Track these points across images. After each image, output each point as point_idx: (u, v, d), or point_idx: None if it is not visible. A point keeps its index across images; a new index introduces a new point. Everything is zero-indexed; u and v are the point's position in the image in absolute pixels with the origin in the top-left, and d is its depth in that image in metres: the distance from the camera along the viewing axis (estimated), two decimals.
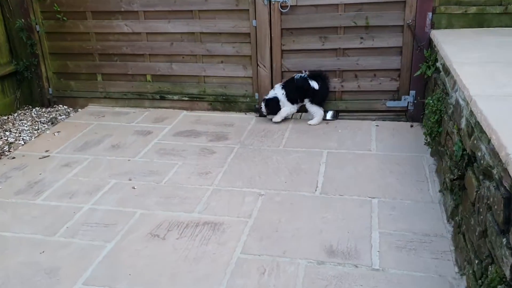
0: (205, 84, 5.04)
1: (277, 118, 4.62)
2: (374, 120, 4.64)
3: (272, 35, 4.62)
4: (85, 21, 5.01)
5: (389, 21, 4.37)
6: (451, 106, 3.09)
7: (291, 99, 4.55)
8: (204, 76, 5.01)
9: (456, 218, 2.75)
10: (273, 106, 4.57)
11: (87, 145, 4.33)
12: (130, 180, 3.68)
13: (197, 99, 5.08)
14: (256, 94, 4.87)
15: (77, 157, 4.09)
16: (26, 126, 4.82)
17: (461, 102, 2.81)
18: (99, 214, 3.23)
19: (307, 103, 4.57)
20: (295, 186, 3.49)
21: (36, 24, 5.07)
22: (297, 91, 4.52)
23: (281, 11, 4.50)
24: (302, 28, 4.56)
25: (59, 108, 5.35)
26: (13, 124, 4.89)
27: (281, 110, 4.59)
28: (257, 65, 4.77)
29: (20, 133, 4.67)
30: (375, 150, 4.01)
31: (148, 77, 5.14)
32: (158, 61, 5.05)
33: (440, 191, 3.29)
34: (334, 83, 4.68)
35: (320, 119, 4.60)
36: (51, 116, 5.10)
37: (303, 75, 4.53)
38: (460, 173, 2.61)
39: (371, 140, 4.20)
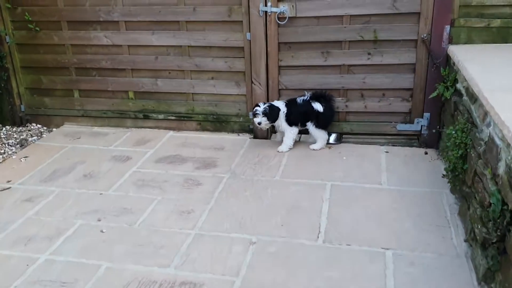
0: (193, 102, 4.51)
1: (284, 147, 4.05)
2: (383, 145, 4.11)
3: (268, 49, 4.09)
4: (60, 32, 4.49)
5: (400, 35, 3.85)
6: (482, 142, 2.55)
7: (290, 121, 4.01)
8: (192, 93, 4.48)
9: (492, 285, 2.21)
10: (274, 113, 3.94)
11: (55, 174, 3.79)
12: (99, 220, 3.14)
13: (185, 118, 4.55)
14: (250, 114, 4.34)
15: (42, 190, 3.55)
16: None
17: (497, 141, 2.27)
18: (57, 267, 2.68)
19: (310, 127, 4.03)
20: (293, 230, 2.95)
21: (6, 34, 4.55)
22: (299, 115, 3.99)
23: (278, 23, 3.97)
24: (301, 42, 4.04)
25: (32, 127, 4.82)
26: None
27: (286, 138, 4.05)
28: (252, 82, 4.24)
29: None
30: (386, 183, 3.47)
31: (131, 94, 4.62)
32: (142, 76, 4.52)
33: (466, 240, 2.75)
34: (338, 103, 4.15)
35: (324, 144, 4.07)
36: (21, 137, 4.56)
37: (305, 97, 3.99)
38: (499, 234, 2.08)
39: (381, 171, 3.66)
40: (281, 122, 4.01)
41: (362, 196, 3.32)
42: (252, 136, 4.36)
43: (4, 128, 4.77)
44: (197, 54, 4.32)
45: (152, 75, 4.49)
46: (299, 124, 4.06)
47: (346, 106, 4.16)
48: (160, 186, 3.55)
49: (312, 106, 3.94)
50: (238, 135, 4.44)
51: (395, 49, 3.90)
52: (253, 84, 4.24)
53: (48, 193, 3.50)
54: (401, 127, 4.11)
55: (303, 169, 3.74)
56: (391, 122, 4.13)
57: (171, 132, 4.57)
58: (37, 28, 4.48)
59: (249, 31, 4.07)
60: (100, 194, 3.48)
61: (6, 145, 4.38)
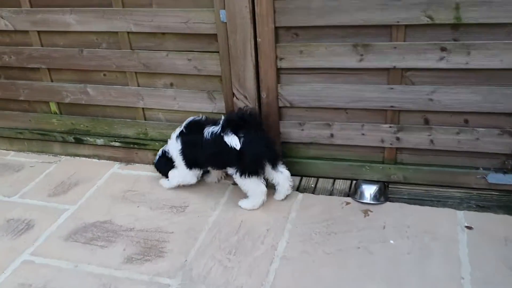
0: (146, 122, 2.84)
1: (166, 183, 2.66)
2: (461, 208, 2.34)
3: (258, 38, 2.32)
4: None
5: (502, 15, 1.97)
6: None
7: (190, 162, 2.49)
8: (143, 108, 2.80)
9: None
10: (161, 165, 2.64)
11: None
12: None
13: (135, 146, 2.90)
14: None
15: None
16: None
17: None
18: None
19: (233, 174, 2.39)
20: None
21: None
22: (210, 156, 2.40)
23: None
24: (317, 27, 2.23)
25: None
26: None
27: (174, 174, 2.59)
28: (233, 94, 2.50)
29: None
30: None
31: (53, 107, 2.99)
32: (64, 80, 2.87)
33: None
34: (383, 132, 2.38)
35: (258, 202, 2.41)
36: None
37: (216, 129, 2.30)
38: None
39: (462, 281, 1.92)
40: (178, 164, 2.54)
41: None
42: (232, 182, 2.64)
43: None
44: (143, 45, 2.59)
45: (79, 78, 2.82)
46: (214, 167, 2.57)
47: (397, 139, 2.37)
48: None
49: (225, 143, 2.24)
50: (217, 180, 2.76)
51: (494, 42, 2.03)
52: (235, 98, 2.50)
53: None
54: (496, 178, 2.31)
55: (312, 271, 2.05)
56: (478, 168, 2.33)
57: (116, 166, 2.96)
58: None
59: (224, 8, 2.29)
60: None
61: None
